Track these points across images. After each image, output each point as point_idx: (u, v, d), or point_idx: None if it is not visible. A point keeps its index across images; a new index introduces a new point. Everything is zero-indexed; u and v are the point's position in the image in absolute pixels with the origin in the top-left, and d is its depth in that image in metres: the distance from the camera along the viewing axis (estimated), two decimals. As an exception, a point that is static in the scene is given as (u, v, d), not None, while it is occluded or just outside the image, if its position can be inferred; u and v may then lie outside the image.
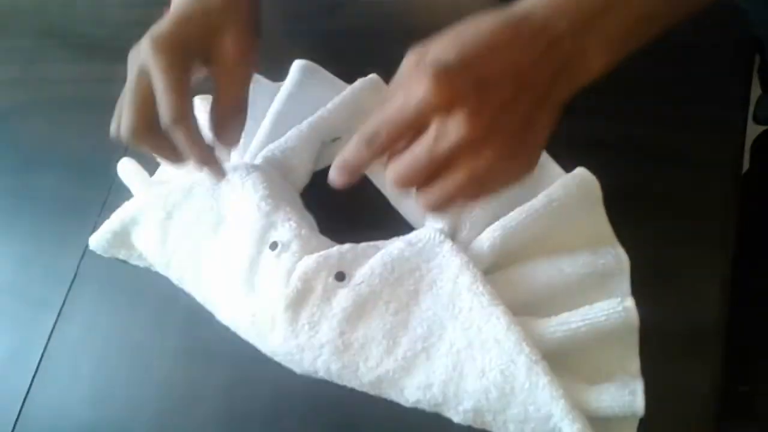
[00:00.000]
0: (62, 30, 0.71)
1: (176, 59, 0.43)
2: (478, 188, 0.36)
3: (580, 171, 0.44)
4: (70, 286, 0.56)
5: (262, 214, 0.47)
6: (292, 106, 0.53)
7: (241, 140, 0.53)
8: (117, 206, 0.53)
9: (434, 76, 0.33)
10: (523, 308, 0.42)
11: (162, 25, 0.44)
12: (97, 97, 0.65)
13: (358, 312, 0.43)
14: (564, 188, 0.43)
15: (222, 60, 0.45)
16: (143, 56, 0.43)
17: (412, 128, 0.36)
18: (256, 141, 0.52)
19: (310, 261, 0.44)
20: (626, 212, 0.45)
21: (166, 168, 0.55)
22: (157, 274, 0.52)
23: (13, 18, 0.74)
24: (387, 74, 0.52)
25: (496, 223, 0.44)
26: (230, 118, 0.46)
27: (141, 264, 0.54)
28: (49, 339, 0.54)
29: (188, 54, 0.44)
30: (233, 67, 0.45)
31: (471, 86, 0.34)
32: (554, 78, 0.35)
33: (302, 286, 0.43)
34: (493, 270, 0.44)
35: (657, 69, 0.50)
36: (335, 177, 0.39)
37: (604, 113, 0.49)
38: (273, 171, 0.50)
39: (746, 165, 0.72)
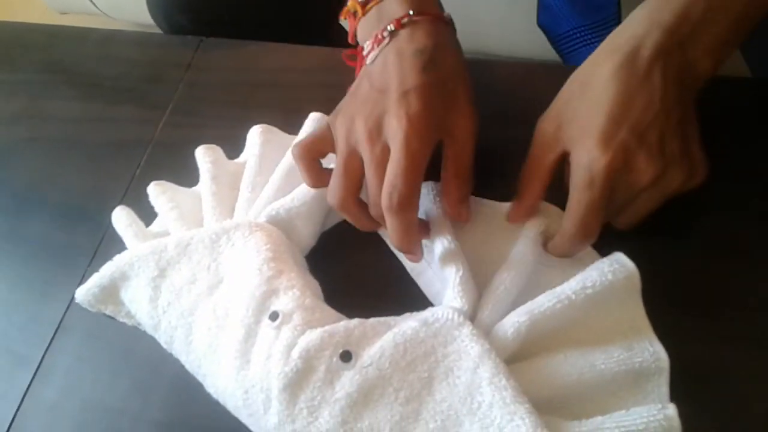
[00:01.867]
0: (69, 66, 0.68)
1: (427, 140, 0.41)
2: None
3: (618, 256, 0.40)
4: (51, 341, 0.52)
5: (264, 278, 0.43)
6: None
7: (248, 194, 0.49)
8: (109, 256, 0.49)
9: (604, 145, 0.38)
10: (548, 405, 0.37)
11: (410, 100, 0.40)
12: (96, 139, 0.62)
13: (364, 398, 0.38)
14: (599, 274, 0.39)
15: (457, 132, 0.42)
16: (391, 130, 0.40)
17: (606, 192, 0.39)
18: (264, 196, 0.48)
19: (313, 336, 0.39)
20: (666, 303, 0.40)
21: (164, 219, 0.51)
22: (145, 333, 0.48)
23: (21, 52, 0.71)
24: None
25: (522, 307, 0.39)
26: (456, 188, 0.43)
27: (129, 322, 0.49)
28: (23, 398, 0.50)
29: (436, 130, 0.41)
30: (465, 141, 0.42)
31: (634, 142, 0.39)
32: (680, 94, 0.40)
33: (303, 364, 0.39)
34: (516, 359, 0.39)
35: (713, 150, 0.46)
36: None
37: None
38: (278, 231, 0.46)
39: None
